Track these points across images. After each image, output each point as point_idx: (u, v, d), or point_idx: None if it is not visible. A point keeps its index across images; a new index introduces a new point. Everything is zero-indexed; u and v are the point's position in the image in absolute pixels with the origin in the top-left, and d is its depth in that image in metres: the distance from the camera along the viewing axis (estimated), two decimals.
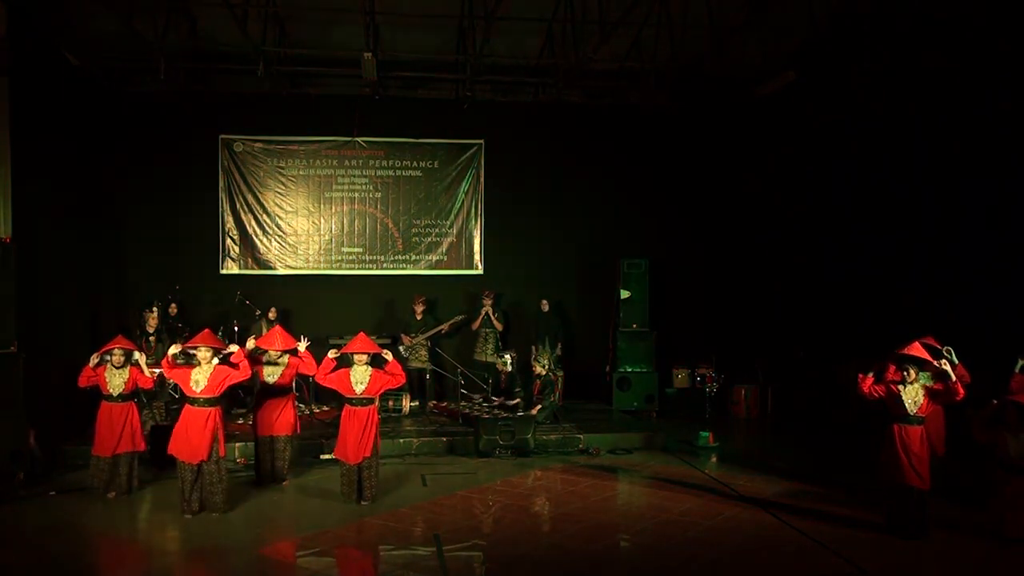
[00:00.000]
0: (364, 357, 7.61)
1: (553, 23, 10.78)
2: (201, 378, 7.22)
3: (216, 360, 7.33)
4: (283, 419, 8.28)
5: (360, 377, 7.58)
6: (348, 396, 7.59)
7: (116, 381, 7.82)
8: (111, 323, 11.71)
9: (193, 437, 7.16)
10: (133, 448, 7.89)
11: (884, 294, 12.62)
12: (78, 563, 6.24)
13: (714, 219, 13.45)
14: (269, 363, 8.26)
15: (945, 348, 7.04)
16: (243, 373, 7.45)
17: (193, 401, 7.23)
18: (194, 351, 7.40)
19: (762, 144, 13.34)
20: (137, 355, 7.92)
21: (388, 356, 7.76)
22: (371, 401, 7.65)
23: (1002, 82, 10.47)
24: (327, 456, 9.17)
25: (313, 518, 7.30)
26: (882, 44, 10.33)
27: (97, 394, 7.92)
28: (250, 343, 8.20)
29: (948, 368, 6.62)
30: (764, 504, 7.68)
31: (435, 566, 6.25)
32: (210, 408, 7.23)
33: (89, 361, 7.88)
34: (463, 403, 11.40)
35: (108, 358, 7.89)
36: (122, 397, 7.83)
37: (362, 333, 8.05)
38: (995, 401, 6.80)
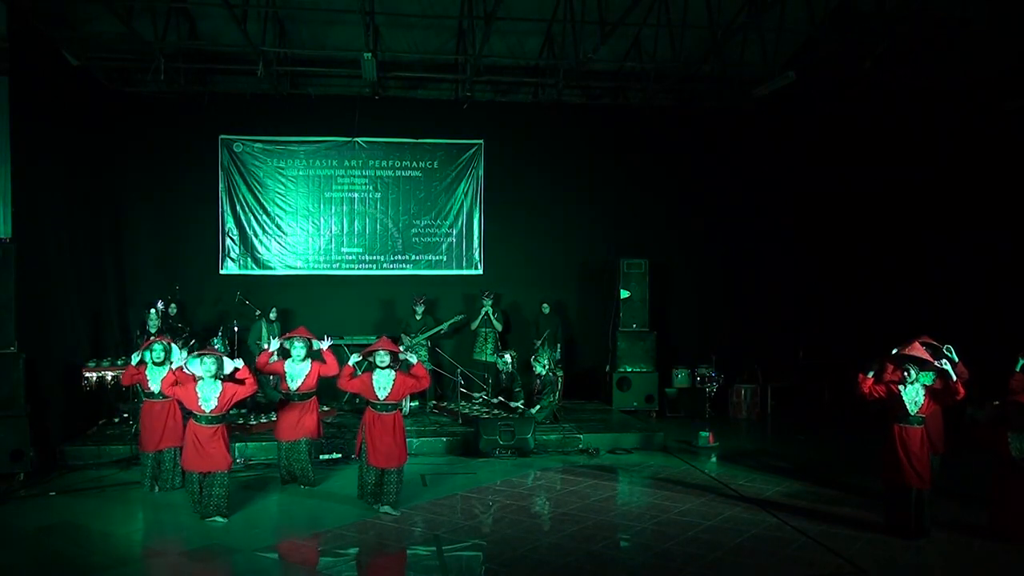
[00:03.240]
0: (387, 360, 7.46)
1: (553, 23, 10.79)
2: (212, 397, 7.09)
3: (222, 376, 7.24)
4: (306, 423, 8.15)
5: (383, 382, 7.40)
6: (372, 401, 7.44)
7: (156, 379, 7.86)
8: (111, 323, 11.74)
9: (208, 451, 7.08)
10: (176, 444, 7.91)
11: (884, 293, 12.63)
12: (78, 563, 6.23)
13: (714, 219, 13.45)
14: (291, 366, 8.11)
15: (945, 346, 7.04)
16: (249, 388, 7.40)
17: (199, 419, 7.12)
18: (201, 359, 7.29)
19: (762, 144, 13.34)
20: (177, 356, 7.90)
21: (413, 360, 7.64)
22: (396, 407, 7.49)
23: (1002, 82, 10.48)
24: (327, 456, 9.17)
25: (313, 518, 7.30)
26: (882, 44, 10.33)
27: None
28: (274, 344, 8.24)
29: (948, 368, 6.63)
30: (764, 504, 7.68)
31: (435, 566, 6.26)
32: (217, 425, 7.16)
33: (132, 360, 8.11)
34: (463, 403, 11.41)
35: (148, 356, 7.98)
36: (163, 395, 7.82)
37: (384, 338, 7.94)
38: (996, 402, 6.81)
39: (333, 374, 8.03)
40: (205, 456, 7.09)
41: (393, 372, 7.46)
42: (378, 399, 7.39)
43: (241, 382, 7.32)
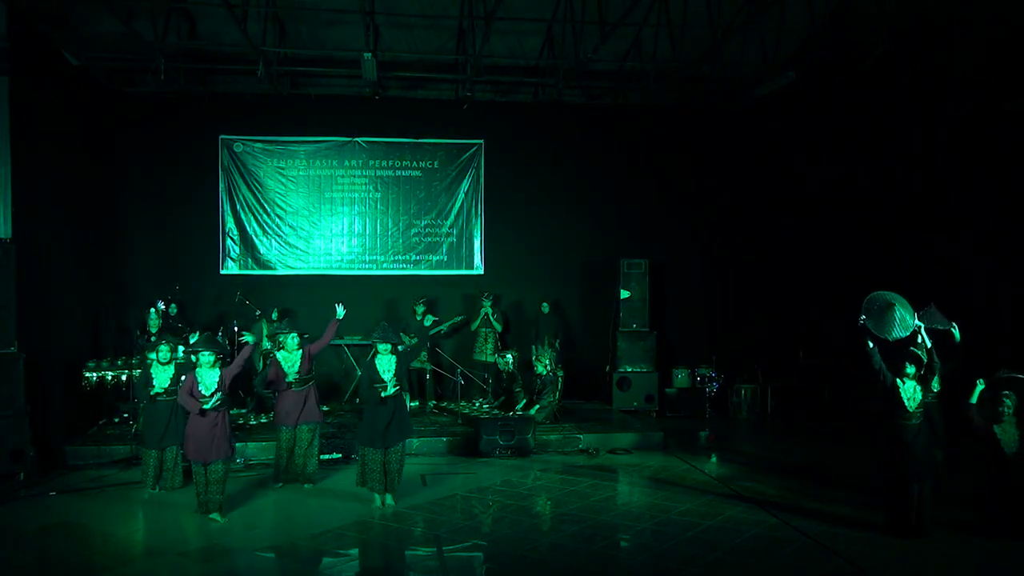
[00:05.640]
0: (387, 346, 7.59)
1: (553, 23, 10.79)
2: (209, 382, 7.21)
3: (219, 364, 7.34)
4: (307, 407, 8.21)
5: (387, 364, 7.54)
6: (378, 383, 7.52)
7: (161, 377, 7.91)
8: (111, 323, 11.75)
9: (207, 438, 7.15)
10: (178, 442, 7.88)
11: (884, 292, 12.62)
12: (78, 563, 6.23)
13: (714, 219, 13.45)
14: (285, 356, 8.22)
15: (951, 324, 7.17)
16: (246, 351, 7.54)
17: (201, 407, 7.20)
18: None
19: (761, 144, 13.34)
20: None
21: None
22: (396, 387, 7.55)
23: (1002, 82, 10.46)
24: (327, 456, 9.17)
25: (313, 518, 7.31)
26: (882, 44, 10.33)
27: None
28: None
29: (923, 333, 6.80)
30: (764, 504, 7.69)
31: (435, 566, 6.26)
32: (217, 412, 7.21)
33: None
34: (463, 403, 11.41)
35: (152, 356, 8.02)
36: (166, 393, 7.89)
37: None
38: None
39: (321, 346, 8.34)
40: (205, 444, 7.14)
41: (395, 357, 7.58)
42: (383, 381, 7.49)
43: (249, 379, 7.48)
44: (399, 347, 7.80)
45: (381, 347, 7.60)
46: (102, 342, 11.27)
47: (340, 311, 8.27)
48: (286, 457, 8.24)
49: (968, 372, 7.24)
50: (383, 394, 7.44)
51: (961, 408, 6.93)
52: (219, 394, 7.16)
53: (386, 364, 7.56)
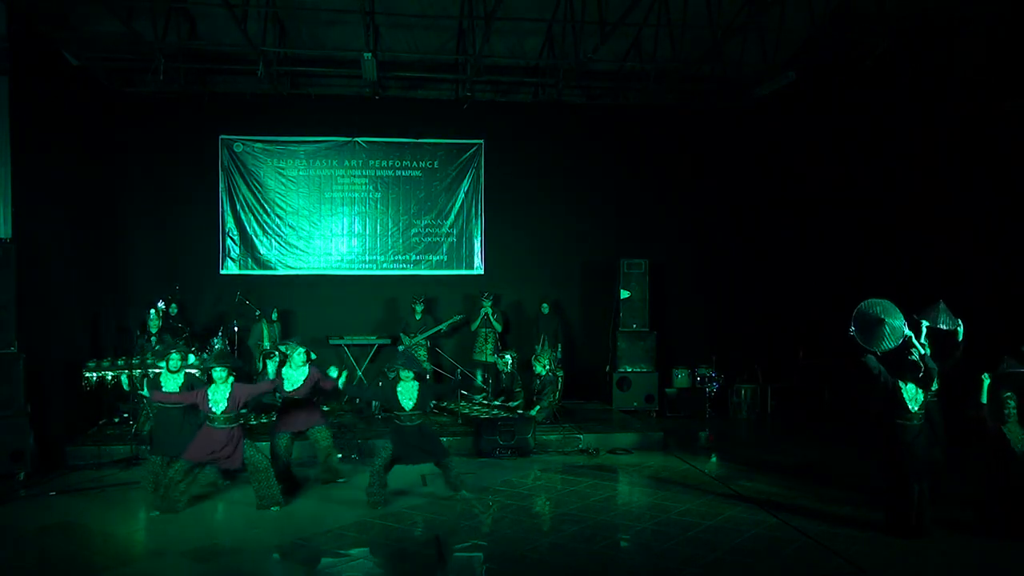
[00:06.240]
0: (410, 374, 7.58)
1: (553, 23, 10.79)
2: (220, 398, 7.22)
3: (232, 378, 7.36)
4: (313, 414, 8.23)
5: (409, 392, 7.55)
6: (399, 411, 7.58)
7: (171, 386, 7.87)
8: (111, 323, 11.75)
9: (224, 454, 7.19)
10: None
11: (884, 293, 12.62)
12: (78, 563, 6.23)
13: (714, 219, 13.46)
14: (289, 372, 8.18)
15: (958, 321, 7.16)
16: (267, 385, 7.55)
17: (213, 421, 7.21)
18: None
19: (761, 144, 13.34)
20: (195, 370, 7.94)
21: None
22: (421, 417, 7.62)
23: (1002, 82, 10.47)
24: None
25: (313, 518, 7.30)
26: (882, 44, 10.32)
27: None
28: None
29: (917, 343, 6.74)
30: (764, 504, 7.68)
31: (435, 566, 6.26)
32: (232, 427, 7.25)
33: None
34: (463, 403, 11.41)
35: (162, 364, 7.99)
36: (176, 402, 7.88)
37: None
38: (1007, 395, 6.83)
39: (329, 387, 8.23)
40: (219, 458, 7.17)
41: (417, 383, 7.58)
42: (404, 410, 7.52)
43: (251, 381, 7.43)
44: (424, 375, 7.89)
45: (404, 374, 7.60)
46: (102, 342, 11.27)
47: (336, 375, 8.07)
48: (283, 462, 8.16)
49: (968, 372, 7.25)
50: (407, 424, 7.50)
51: (970, 408, 6.92)
52: (231, 412, 7.18)
53: (409, 391, 7.58)
